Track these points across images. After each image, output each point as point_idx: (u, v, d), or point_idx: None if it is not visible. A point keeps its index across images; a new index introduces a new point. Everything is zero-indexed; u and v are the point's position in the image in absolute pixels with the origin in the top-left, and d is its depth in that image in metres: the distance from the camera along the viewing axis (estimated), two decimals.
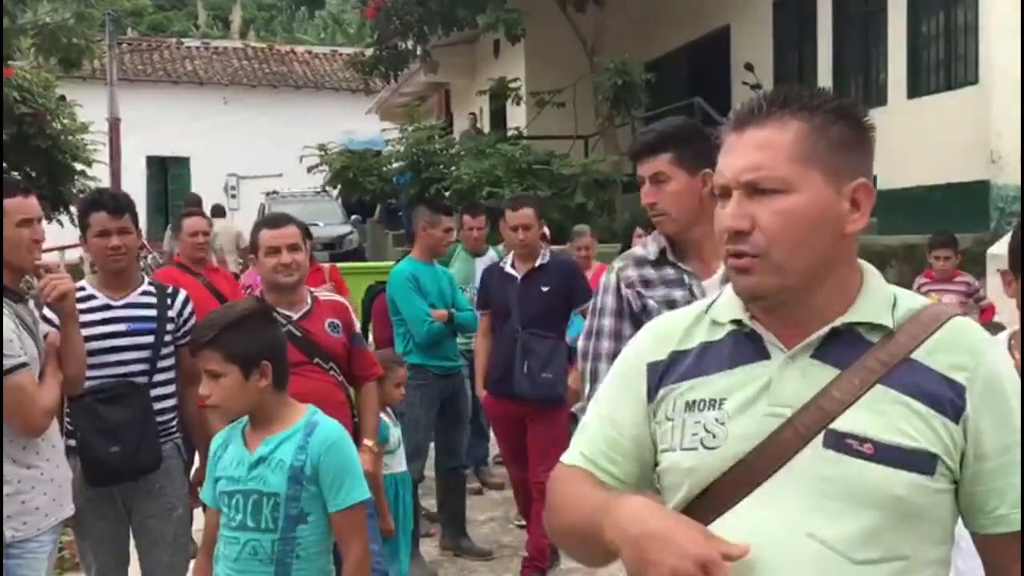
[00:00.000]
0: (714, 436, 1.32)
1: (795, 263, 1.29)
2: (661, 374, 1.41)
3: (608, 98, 11.87)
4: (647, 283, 2.66)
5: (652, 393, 1.41)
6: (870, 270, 1.38)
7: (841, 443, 1.26)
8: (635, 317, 2.61)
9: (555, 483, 1.45)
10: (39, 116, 12.02)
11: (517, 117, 15.04)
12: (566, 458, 1.46)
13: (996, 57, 8.84)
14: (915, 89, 10.24)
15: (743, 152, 1.31)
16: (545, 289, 4.53)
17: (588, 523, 1.32)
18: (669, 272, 2.63)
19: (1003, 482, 1.28)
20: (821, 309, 1.32)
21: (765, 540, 1.26)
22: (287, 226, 3.45)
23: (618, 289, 2.68)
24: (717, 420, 1.33)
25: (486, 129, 16.39)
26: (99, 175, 16.28)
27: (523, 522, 5.07)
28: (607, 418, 1.44)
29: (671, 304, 2.62)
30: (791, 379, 1.31)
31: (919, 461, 1.26)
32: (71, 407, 3.13)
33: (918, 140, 9.82)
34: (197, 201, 14.62)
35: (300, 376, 3.29)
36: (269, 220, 3.61)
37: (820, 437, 1.27)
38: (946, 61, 10.00)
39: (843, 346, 1.31)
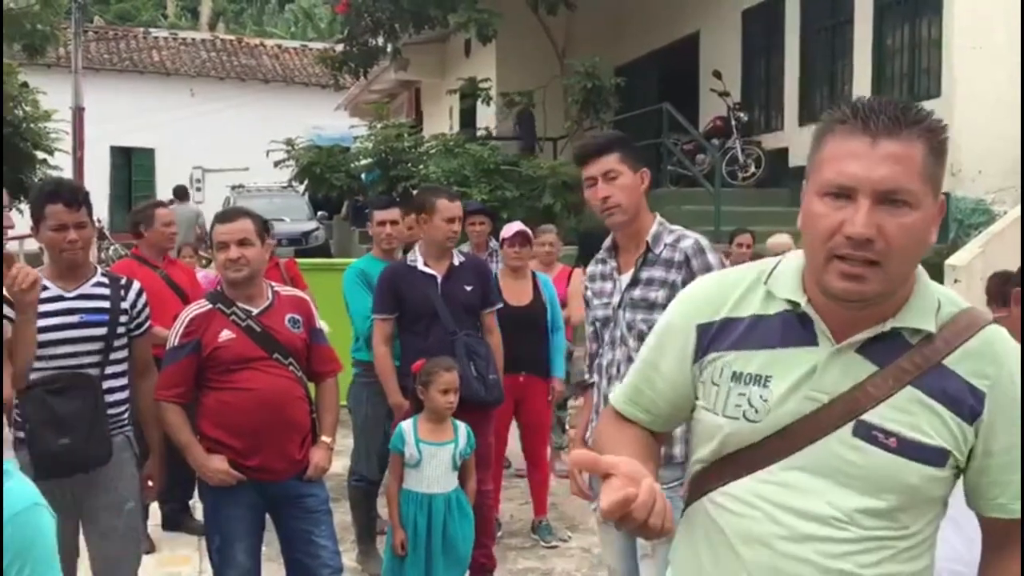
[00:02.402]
0: (756, 411, 1.47)
1: (903, 274, 1.41)
2: (711, 338, 1.53)
3: (577, 101, 11.91)
4: (593, 277, 2.99)
5: (699, 354, 1.55)
6: (922, 273, 1.48)
7: (869, 434, 1.42)
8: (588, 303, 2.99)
9: (599, 423, 1.75)
10: None
11: (486, 117, 15.05)
12: (612, 398, 1.68)
13: (958, 71, 8.98)
14: None
15: (880, 162, 1.35)
16: (468, 288, 4.34)
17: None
18: (606, 267, 2.95)
19: (1006, 477, 1.46)
20: (882, 310, 1.43)
21: (792, 497, 1.44)
22: (237, 220, 3.39)
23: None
24: (762, 397, 1.47)
25: (455, 128, 16.35)
26: (62, 164, 16.05)
27: None
28: (650, 363, 1.62)
29: (599, 295, 3.04)
30: (834, 370, 1.45)
31: (934, 456, 1.42)
32: (20, 398, 3.08)
33: None
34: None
35: (259, 372, 3.30)
36: (221, 215, 3.55)
37: (850, 425, 1.43)
38: (910, 74, 10.14)
39: (886, 345, 1.45)
